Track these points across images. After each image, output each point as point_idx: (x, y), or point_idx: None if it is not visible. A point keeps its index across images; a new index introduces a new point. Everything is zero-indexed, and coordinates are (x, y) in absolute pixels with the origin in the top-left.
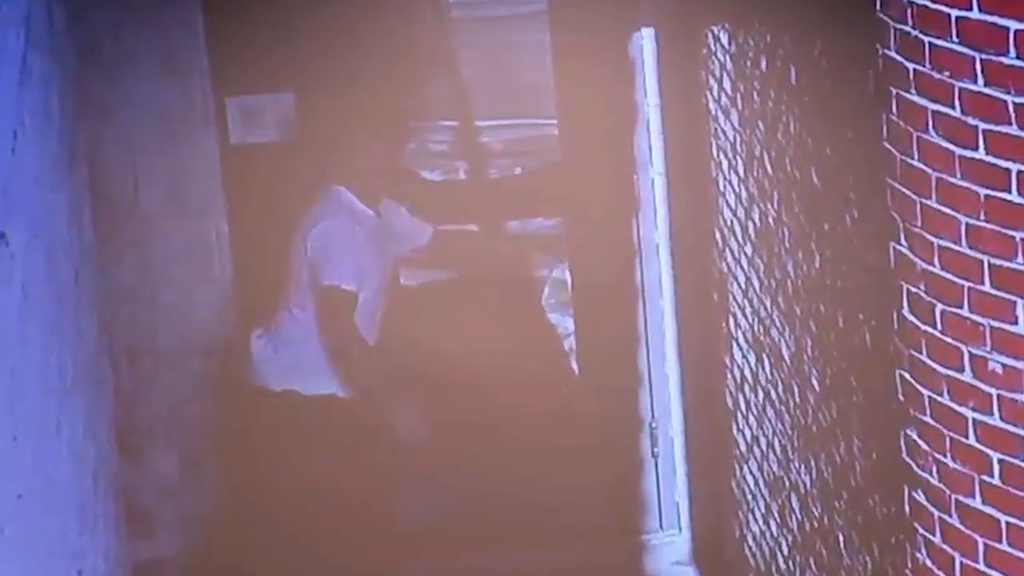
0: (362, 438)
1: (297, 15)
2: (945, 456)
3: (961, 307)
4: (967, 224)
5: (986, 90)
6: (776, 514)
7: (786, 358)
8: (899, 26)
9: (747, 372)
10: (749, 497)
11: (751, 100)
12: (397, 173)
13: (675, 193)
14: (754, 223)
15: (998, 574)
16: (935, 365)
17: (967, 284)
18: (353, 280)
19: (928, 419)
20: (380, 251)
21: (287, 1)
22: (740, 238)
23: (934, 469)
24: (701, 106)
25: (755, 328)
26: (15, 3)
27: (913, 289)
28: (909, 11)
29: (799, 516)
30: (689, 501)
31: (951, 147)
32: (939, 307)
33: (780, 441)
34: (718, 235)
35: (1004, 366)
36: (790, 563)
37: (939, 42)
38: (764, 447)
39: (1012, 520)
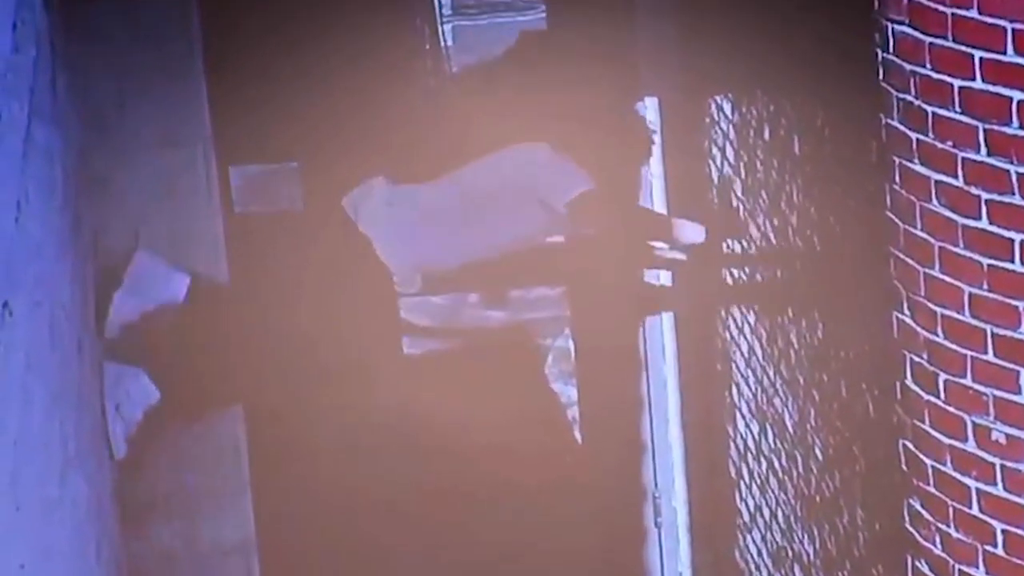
0: (372, 512)
1: (300, 84)
2: (948, 526)
3: (964, 376)
4: (970, 293)
5: (989, 160)
6: None
7: (789, 427)
8: (902, 96)
9: (750, 441)
10: (752, 567)
11: (754, 169)
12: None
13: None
14: (757, 291)
15: None
16: (938, 434)
17: (970, 353)
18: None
19: (931, 489)
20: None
21: (290, 70)
22: (743, 307)
23: (937, 539)
24: (704, 175)
25: (758, 397)
26: (19, 74)
27: (916, 358)
28: (912, 81)
29: None
30: (692, 571)
31: (954, 216)
32: (942, 376)
33: (783, 511)
34: (721, 303)
35: (1007, 436)
36: None
37: (942, 112)
38: (767, 516)
39: None
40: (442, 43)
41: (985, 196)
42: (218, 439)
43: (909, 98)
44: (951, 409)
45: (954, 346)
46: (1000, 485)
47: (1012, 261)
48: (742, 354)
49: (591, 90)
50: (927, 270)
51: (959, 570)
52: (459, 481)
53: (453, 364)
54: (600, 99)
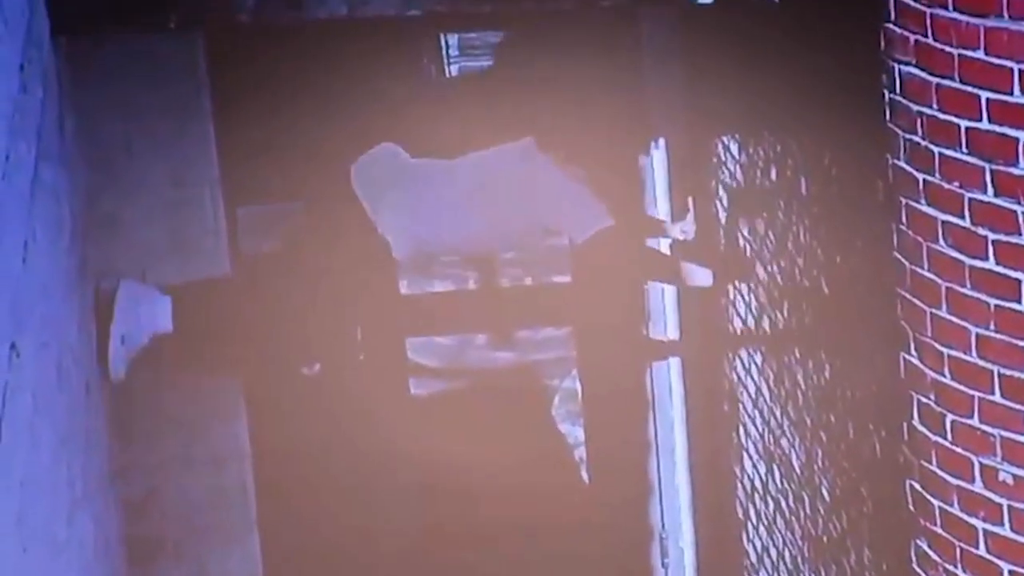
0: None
1: (307, 125)
2: (956, 567)
3: (971, 417)
4: (977, 334)
5: (996, 200)
6: None
7: (796, 468)
8: (909, 136)
9: (757, 482)
10: None
11: (761, 210)
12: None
13: (685, 302)
14: (764, 332)
15: None
16: (945, 475)
17: (977, 394)
18: None
19: (938, 530)
20: None
21: (298, 112)
22: (750, 347)
23: None
24: (711, 215)
25: (765, 438)
26: (26, 114)
27: (923, 399)
28: (919, 122)
29: None
30: None
31: (961, 257)
32: (949, 417)
33: (790, 551)
34: (728, 344)
35: (1014, 476)
36: None
37: (949, 152)
38: (774, 557)
39: None
40: None
41: (992, 236)
42: (225, 479)
43: (916, 139)
44: (958, 450)
45: (961, 387)
46: (1007, 526)
47: (1019, 301)
48: (749, 395)
49: (599, 131)
50: (934, 310)
51: None
52: (466, 521)
53: (460, 405)
54: (608, 140)
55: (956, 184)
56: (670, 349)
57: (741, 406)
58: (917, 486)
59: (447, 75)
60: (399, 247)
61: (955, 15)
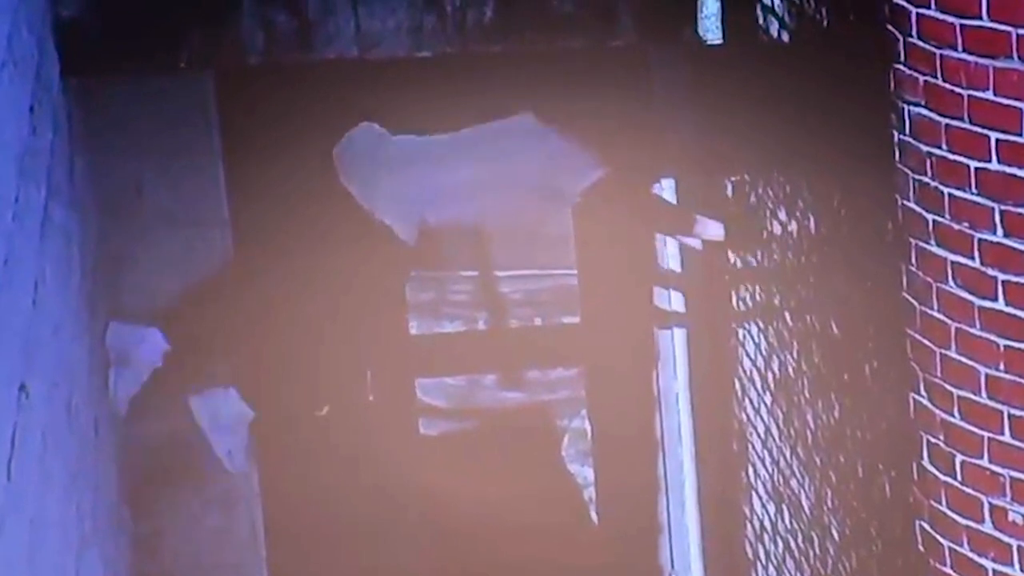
0: None
1: (317, 166)
2: None
3: (981, 457)
4: (986, 374)
5: (1005, 241)
6: None
7: (805, 508)
8: (918, 177)
9: (767, 522)
10: None
11: (771, 250)
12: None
13: (695, 343)
14: (774, 373)
15: None
16: (955, 515)
17: (987, 434)
18: None
19: (948, 570)
20: None
21: (307, 152)
22: (760, 388)
23: None
24: (721, 256)
25: (774, 478)
26: (37, 156)
27: (933, 439)
28: (928, 162)
29: None
30: None
31: (970, 298)
32: (959, 457)
33: None
34: (738, 385)
35: None
36: None
37: (958, 193)
38: None
39: None
40: None
41: (1001, 277)
42: (235, 518)
43: (925, 179)
44: (968, 490)
45: (971, 427)
46: (1017, 566)
47: None
48: (758, 435)
49: (609, 171)
50: (943, 351)
51: None
52: (476, 561)
53: (470, 445)
54: (618, 179)
55: (965, 224)
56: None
57: (751, 446)
58: (927, 526)
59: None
60: (404, 230)
61: (964, 56)
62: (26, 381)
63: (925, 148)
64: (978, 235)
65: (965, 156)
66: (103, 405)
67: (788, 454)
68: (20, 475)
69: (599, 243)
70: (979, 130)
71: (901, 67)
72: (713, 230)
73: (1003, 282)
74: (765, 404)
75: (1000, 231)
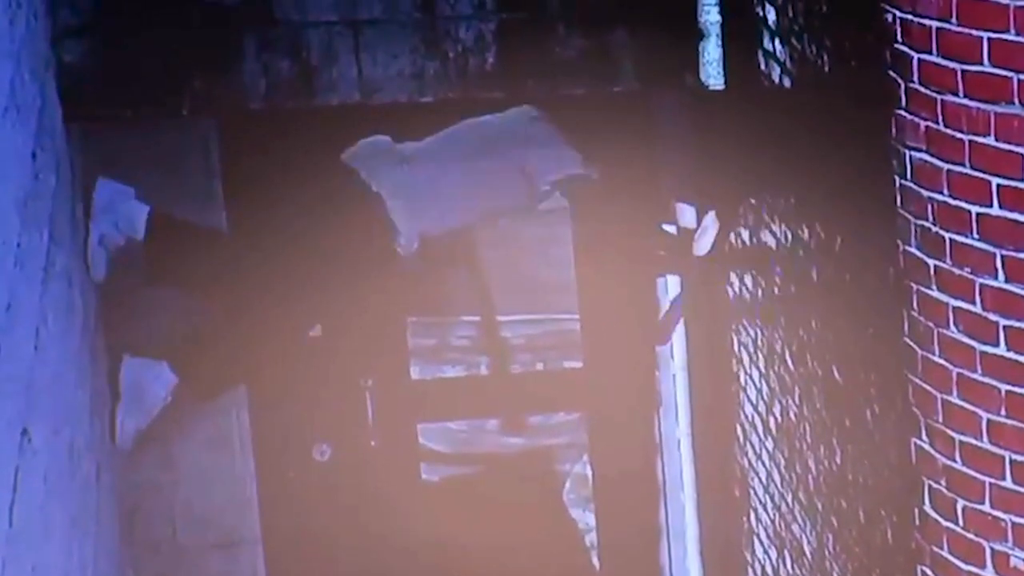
0: None
1: (321, 212)
2: None
3: (983, 503)
4: (988, 420)
5: (1007, 286)
6: None
7: (807, 553)
8: (920, 222)
9: (768, 567)
10: None
11: (772, 295)
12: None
13: (697, 388)
14: (775, 418)
15: None
16: (957, 561)
17: (989, 480)
18: None
19: None
20: None
21: (310, 198)
22: (761, 433)
23: None
24: (723, 300)
25: (776, 523)
26: (39, 201)
27: (934, 484)
28: (930, 207)
29: None
30: None
31: (972, 343)
32: (960, 503)
33: None
34: (739, 430)
35: None
36: None
37: (960, 238)
38: None
39: None
40: None
41: (1003, 322)
42: (237, 569)
43: (927, 224)
44: (970, 535)
45: (972, 472)
46: None
47: None
48: (760, 480)
49: (611, 215)
50: (945, 396)
51: None
52: None
53: (472, 490)
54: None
55: (967, 270)
56: (681, 432)
57: (752, 491)
58: (929, 572)
59: None
60: (404, 235)
61: (966, 101)
62: (28, 426)
63: (926, 193)
64: (980, 280)
65: (966, 201)
66: (104, 450)
67: (790, 499)
68: (21, 520)
69: (601, 288)
70: (980, 175)
71: (902, 112)
72: (706, 239)
73: (1005, 327)
74: (767, 449)
75: (1002, 276)
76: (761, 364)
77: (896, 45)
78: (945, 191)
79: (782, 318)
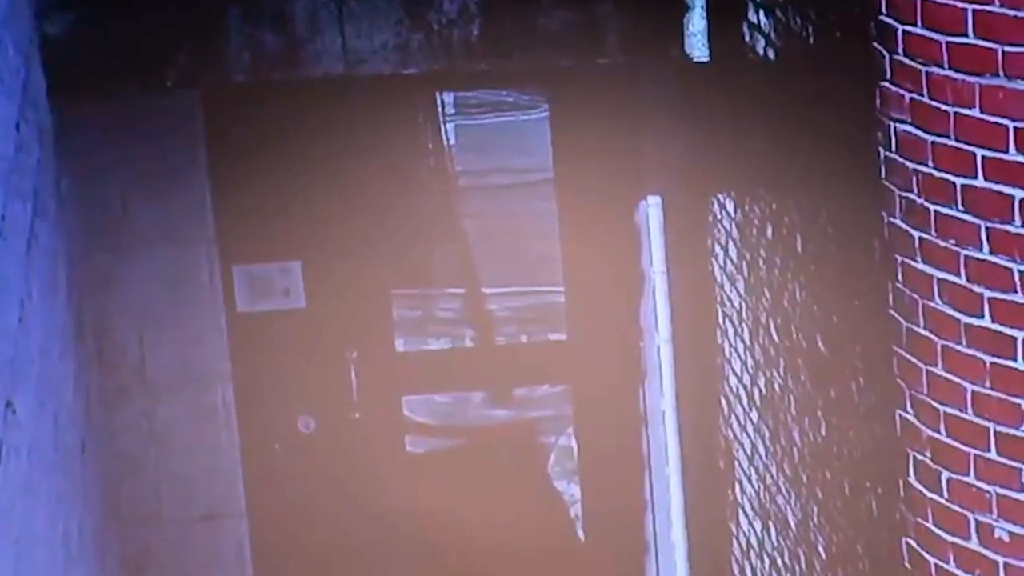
0: None
1: (303, 184)
2: None
3: (967, 474)
4: (973, 392)
5: (992, 258)
6: None
7: (792, 525)
8: (904, 194)
9: (753, 539)
10: None
11: (757, 267)
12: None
13: (681, 360)
14: (760, 390)
15: None
16: (941, 532)
17: (973, 451)
18: None
19: None
20: None
21: (293, 170)
22: (746, 405)
23: None
24: (707, 273)
25: (761, 495)
26: (23, 174)
27: (919, 456)
28: (915, 179)
29: None
30: None
31: (957, 314)
32: (945, 474)
33: None
34: (724, 402)
35: (1011, 534)
36: None
37: (945, 210)
38: None
39: None
40: (445, 142)
41: (988, 294)
42: (222, 542)
43: (911, 196)
44: (954, 507)
45: (957, 444)
46: None
47: (1015, 359)
48: (745, 452)
49: (595, 187)
50: (930, 368)
51: None
52: None
53: (456, 463)
54: (604, 196)
55: (952, 242)
56: (666, 403)
57: (737, 463)
58: (913, 543)
59: (443, 133)
60: None
61: (951, 73)
62: (12, 398)
63: (911, 165)
64: (964, 252)
65: (951, 173)
66: (89, 423)
67: (774, 471)
68: (5, 494)
69: (585, 260)
70: (965, 147)
71: (887, 84)
72: None
73: (989, 299)
74: (751, 421)
75: (986, 248)
76: (746, 336)
77: (881, 17)
78: (930, 163)
79: (766, 290)
